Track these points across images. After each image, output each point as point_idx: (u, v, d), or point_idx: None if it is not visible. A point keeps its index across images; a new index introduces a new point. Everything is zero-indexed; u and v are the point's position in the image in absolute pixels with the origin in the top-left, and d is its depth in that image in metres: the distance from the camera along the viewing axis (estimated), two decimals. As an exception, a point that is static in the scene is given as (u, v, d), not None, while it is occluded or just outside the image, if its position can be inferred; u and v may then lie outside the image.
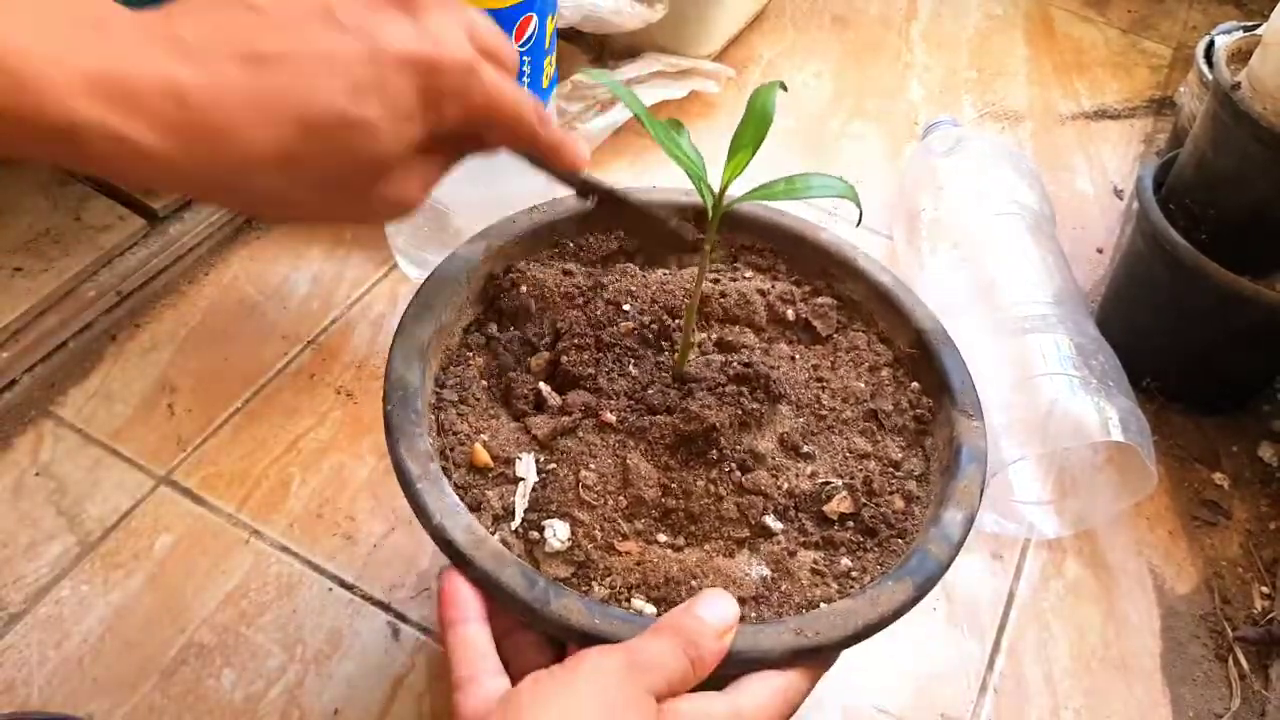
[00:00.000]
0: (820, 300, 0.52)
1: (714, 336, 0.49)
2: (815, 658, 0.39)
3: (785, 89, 0.43)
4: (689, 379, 0.46)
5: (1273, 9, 0.64)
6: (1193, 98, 0.87)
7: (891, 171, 0.91)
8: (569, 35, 0.90)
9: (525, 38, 0.59)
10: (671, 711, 0.34)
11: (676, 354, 0.46)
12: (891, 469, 0.45)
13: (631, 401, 0.45)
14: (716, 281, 0.52)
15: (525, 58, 0.60)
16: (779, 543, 0.42)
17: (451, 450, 0.43)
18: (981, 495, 0.43)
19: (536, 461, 0.43)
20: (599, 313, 0.48)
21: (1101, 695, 0.60)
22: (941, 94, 1.02)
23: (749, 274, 0.53)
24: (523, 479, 0.42)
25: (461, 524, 0.38)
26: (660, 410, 0.44)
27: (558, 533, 0.40)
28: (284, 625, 0.57)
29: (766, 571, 0.41)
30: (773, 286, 0.52)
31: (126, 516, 0.60)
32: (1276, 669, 0.62)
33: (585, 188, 0.45)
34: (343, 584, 0.59)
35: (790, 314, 0.51)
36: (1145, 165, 0.76)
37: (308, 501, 0.62)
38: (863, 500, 0.44)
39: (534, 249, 0.51)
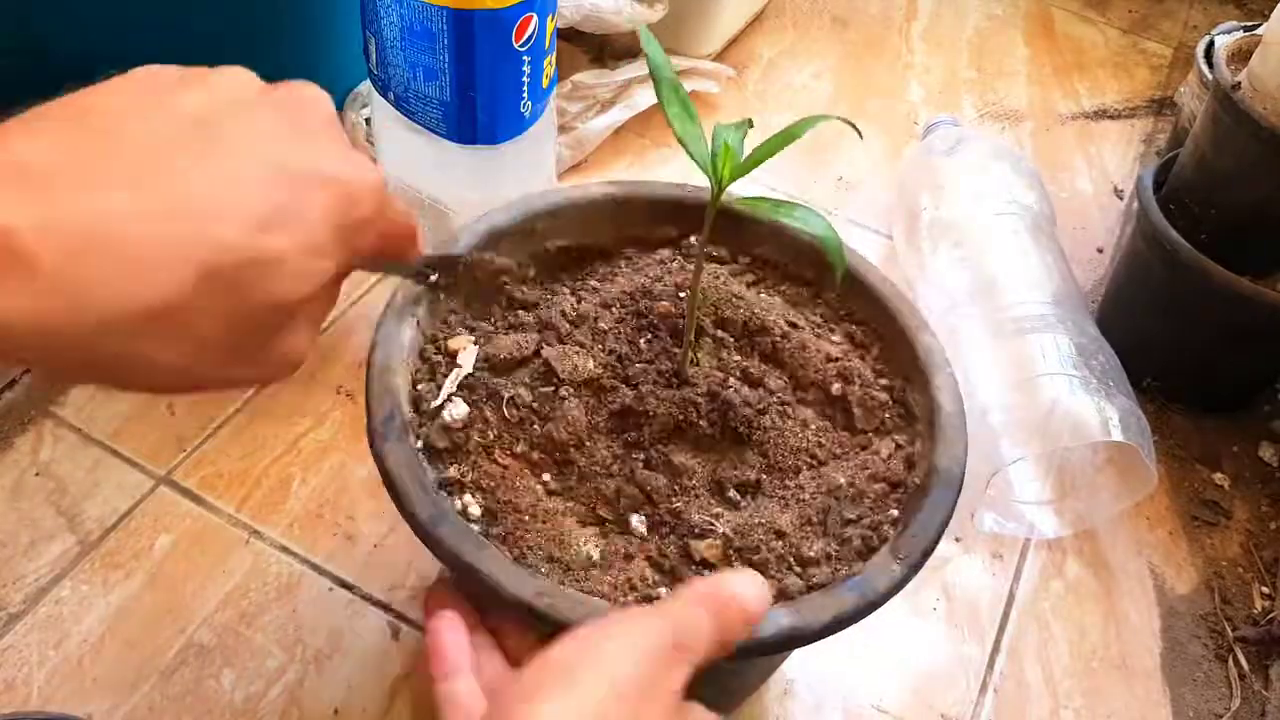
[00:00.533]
0: (873, 389, 0.48)
1: (741, 364, 0.47)
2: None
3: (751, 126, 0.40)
4: (686, 382, 0.45)
5: (1273, 9, 0.64)
6: (1193, 98, 0.87)
7: (891, 171, 0.91)
8: (569, 35, 0.90)
9: (525, 38, 0.59)
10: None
11: (688, 353, 0.46)
12: (798, 566, 0.42)
13: (618, 363, 0.45)
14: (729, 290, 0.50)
15: (525, 58, 0.60)
16: (629, 542, 0.42)
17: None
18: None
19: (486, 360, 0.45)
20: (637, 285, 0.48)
21: (1101, 695, 0.60)
22: (941, 94, 1.02)
23: (771, 294, 0.52)
24: (459, 366, 0.44)
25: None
26: (633, 383, 0.44)
27: (455, 412, 0.42)
28: (284, 625, 0.57)
29: (596, 554, 0.41)
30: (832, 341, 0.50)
31: (126, 516, 0.60)
32: (1277, 669, 0.62)
33: (428, 267, 0.43)
34: (343, 584, 0.59)
35: (836, 388, 0.47)
36: (1145, 165, 0.76)
37: (308, 502, 0.62)
38: (733, 557, 0.42)
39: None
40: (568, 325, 0.47)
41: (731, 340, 0.48)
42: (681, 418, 0.44)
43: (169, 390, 0.30)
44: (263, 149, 0.29)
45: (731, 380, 0.46)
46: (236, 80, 0.30)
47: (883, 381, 0.49)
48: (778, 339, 0.48)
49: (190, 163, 0.27)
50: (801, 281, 0.53)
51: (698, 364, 0.46)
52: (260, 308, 0.28)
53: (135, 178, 0.26)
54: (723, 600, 0.33)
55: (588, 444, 0.43)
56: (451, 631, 0.37)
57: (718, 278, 0.51)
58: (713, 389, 0.45)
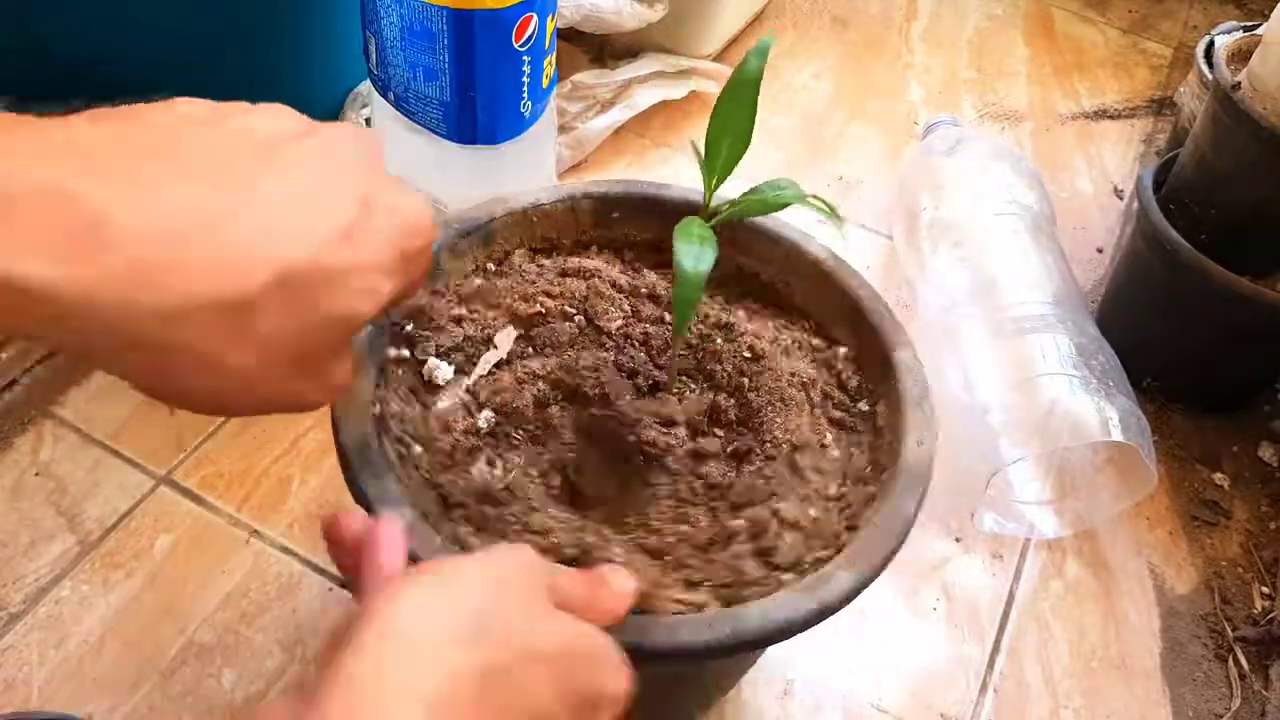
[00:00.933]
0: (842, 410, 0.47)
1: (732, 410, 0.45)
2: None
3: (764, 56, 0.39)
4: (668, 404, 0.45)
5: (1273, 9, 0.64)
6: (1193, 98, 0.87)
7: (891, 171, 0.91)
8: (569, 35, 0.90)
9: (525, 38, 0.59)
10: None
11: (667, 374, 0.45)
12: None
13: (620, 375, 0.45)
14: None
15: (525, 58, 0.60)
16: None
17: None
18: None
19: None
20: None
21: (1101, 695, 0.60)
22: (941, 94, 1.02)
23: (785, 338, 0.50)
24: (496, 348, 0.46)
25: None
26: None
27: (441, 371, 0.44)
28: (284, 625, 0.57)
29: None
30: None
31: (126, 516, 0.60)
32: (1277, 669, 0.62)
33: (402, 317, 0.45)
34: (343, 584, 0.59)
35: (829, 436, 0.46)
36: (1145, 165, 0.76)
37: (308, 501, 0.62)
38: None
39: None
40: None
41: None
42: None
43: (225, 398, 0.29)
44: (326, 173, 0.29)
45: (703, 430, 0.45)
46: (282, 113, 0.31)
47: (851, 397, 0.48)
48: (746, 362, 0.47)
49: (261, 176, 0.28)
50: (775, 297, 0.52)
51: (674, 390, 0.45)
52: (328, 319, 0.29)
53: (214, 181, 0.27)
54: (593, 571, 0.35)
55: (556, 423, 0.44)
56: (354, 523, 0.35)
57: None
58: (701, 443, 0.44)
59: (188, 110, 0.30)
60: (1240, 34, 0.72)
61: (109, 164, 0.26)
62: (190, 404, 0.29)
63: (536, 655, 0.29)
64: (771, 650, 0.58)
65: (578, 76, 0.84)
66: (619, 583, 0.35)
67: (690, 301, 0.38)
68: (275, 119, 0.31)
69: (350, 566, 0.34)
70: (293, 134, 0.30)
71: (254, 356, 0.28)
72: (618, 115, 0.85)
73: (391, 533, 0.34)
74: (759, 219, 0.49)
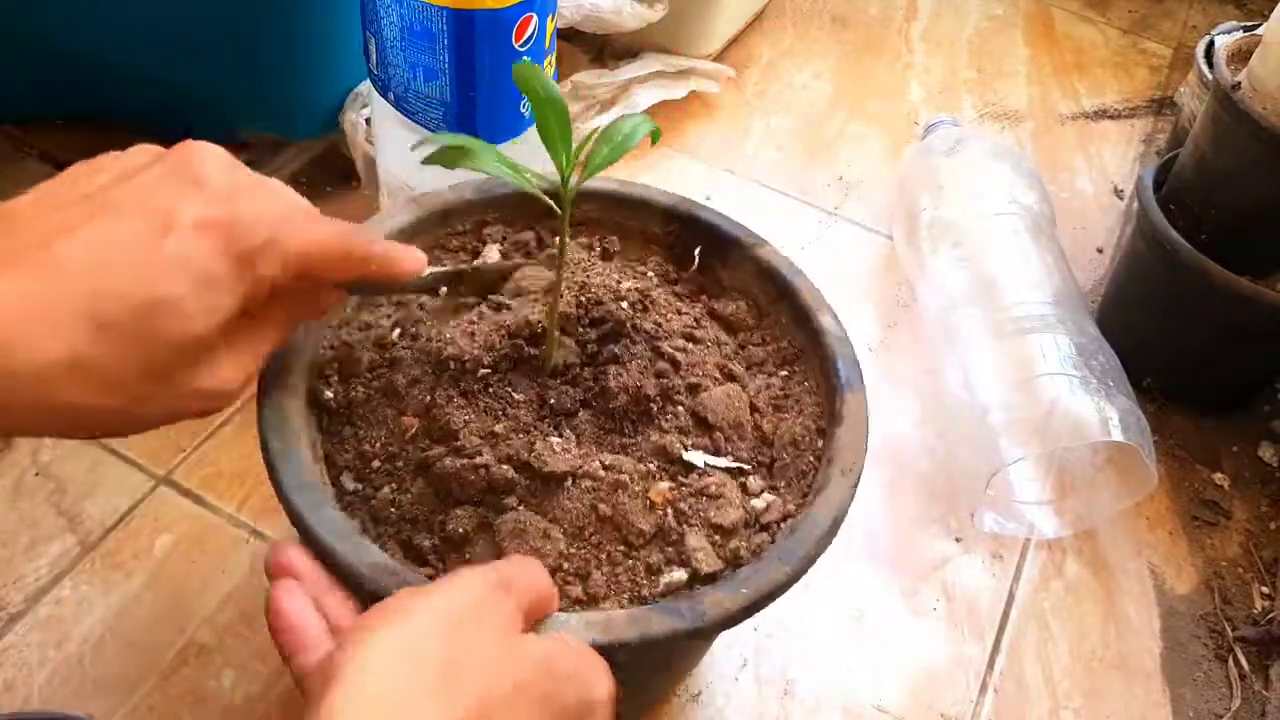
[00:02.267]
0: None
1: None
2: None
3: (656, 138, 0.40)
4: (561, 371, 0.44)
5: (1273, 9, 0.64)
6: (1193, 98, 0.87)
7: (891, 171, 0.91)
8: (569, 35, 0.90)
9: (525, 38, 0.59)
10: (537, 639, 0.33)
11: (543, 352, 0.44)
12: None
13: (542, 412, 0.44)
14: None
15: (525, 58, 0.60)
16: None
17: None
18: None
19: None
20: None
21: (1101, 695, 0.60)
22: (941, 94, 1.02)
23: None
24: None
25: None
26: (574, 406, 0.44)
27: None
28: (284, 625, 0.57)
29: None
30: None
31: (126, 517, 0.60)
32: (1277, 669, 0.62)
33: (434, 283, 0.45)
34: (343, 584, 0.59)
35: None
36: (1145, 165, 0.76)
37: (308, 501, 0.62)
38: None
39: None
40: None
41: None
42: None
43: (115, 431, 0.33)
44: (143, 206, 0.31)
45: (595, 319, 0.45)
46: (135, 154, 0.34)
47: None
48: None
49: (71, 235, 0.30)
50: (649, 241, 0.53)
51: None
52: (165, 348, 0.31)
53: (21, 260, 0.29)
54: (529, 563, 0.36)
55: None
56: (293, 600, 0.35)
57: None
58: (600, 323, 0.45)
59: (65, 180, 0.33)
60: (1240, 34, 0.72)
61: None
62: (95, 436, 0.33)
63: (517, 689, 0.30)
64: (772, 650, 0.58)
65: (578, 76, 0.84)
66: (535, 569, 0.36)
67: (558, 125, 0.38)
68: (128, 160, 0.34)
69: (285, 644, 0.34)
70: (130, 171, 0.33)
71: (112, 395, 0.30)
72: (618, 115, 0.85)
73: (287, 602, 0.34)
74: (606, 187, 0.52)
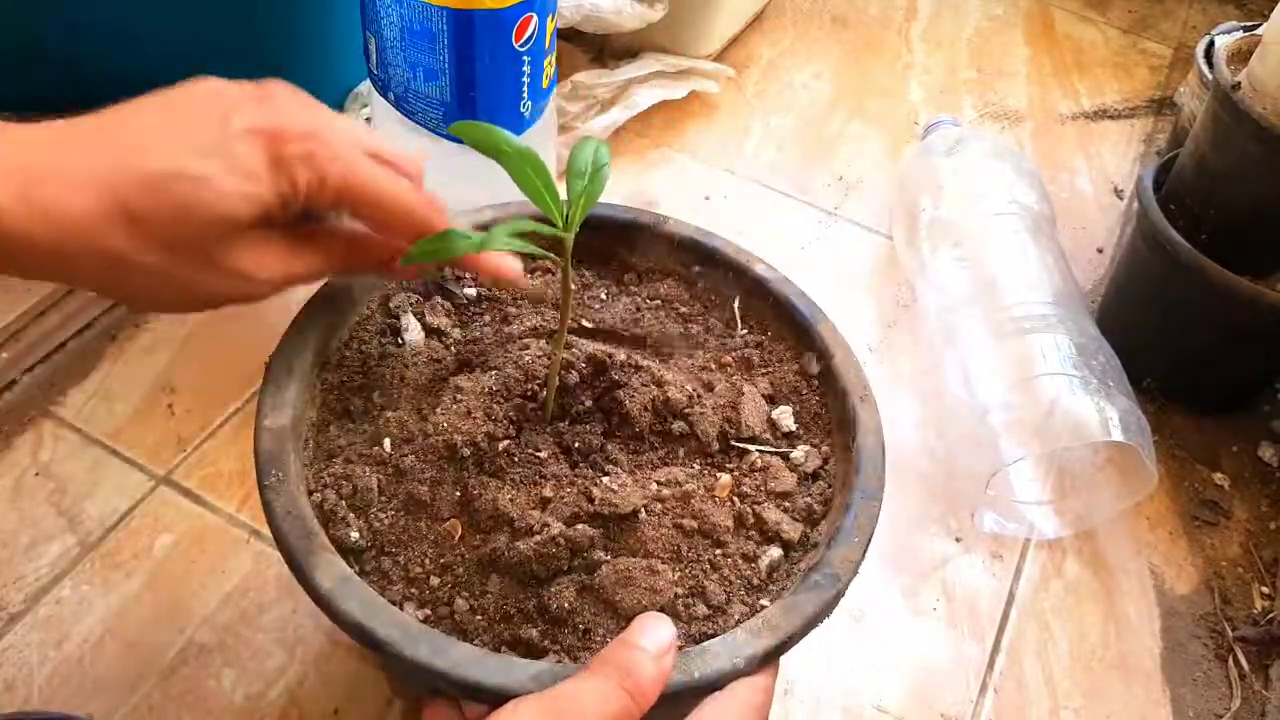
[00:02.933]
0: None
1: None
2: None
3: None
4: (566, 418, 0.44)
5: (1273, 9, 0.64)
6: (1193, 98, 0.87)
7: (891, 171, 0.91)
8: (569, 35, 0.90)
9: (525, 38, 0.59)
10: None
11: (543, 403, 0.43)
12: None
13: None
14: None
15: (525, 58, 0.60)
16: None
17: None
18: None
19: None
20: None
21: (1101, 695, 0.60)
22: (941, 94, 1.02)
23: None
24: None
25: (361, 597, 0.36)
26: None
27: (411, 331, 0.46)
28: (284, 625, 0.57)
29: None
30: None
31: (126, 516, 0.60)
32: (1277, 669, 0.62)
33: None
34: (343, 584, 0.59)
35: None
36: (1145, 165, 0.76)
37: (308, 501, 0.62)
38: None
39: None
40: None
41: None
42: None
43: (164, 300, 0.37)
44: (209, 108, 0.36)
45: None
46: (220, 82, 0.38)
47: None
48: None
49: (140, 123, 0.35)
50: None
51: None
52: (200, 217, 0.34)
53: (97, 140, 0.35)
54: (615, 655, 0.34)
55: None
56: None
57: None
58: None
59: (167, 93, 0.37)
60: (1240, 34, 0.72)
61: (48, 135, 0.34)
62: (137, 303, 0.38)
63: None
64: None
65: (578, 76, 0.84)
66: (651, 640, 0.34)
67: (538, 176, 0.38)
68: (216, 82, 0.37)
69: None
70: (214, 87, 0.37)
71: (155, 252, 0.34)
72: (617, 115, 0.85)
73: None
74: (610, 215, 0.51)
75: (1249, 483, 0.73)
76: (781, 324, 0.49)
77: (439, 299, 0.49)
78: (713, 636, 0.37)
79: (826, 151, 0.93)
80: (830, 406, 0.46)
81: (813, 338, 0.47)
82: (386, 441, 0.42)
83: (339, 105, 0.77)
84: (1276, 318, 0.66)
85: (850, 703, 0.58)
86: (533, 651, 0.37)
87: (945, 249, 0.74)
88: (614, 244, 0.52)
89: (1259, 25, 0.68)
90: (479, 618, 0.38)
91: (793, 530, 0.42)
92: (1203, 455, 0.74)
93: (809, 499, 0.43)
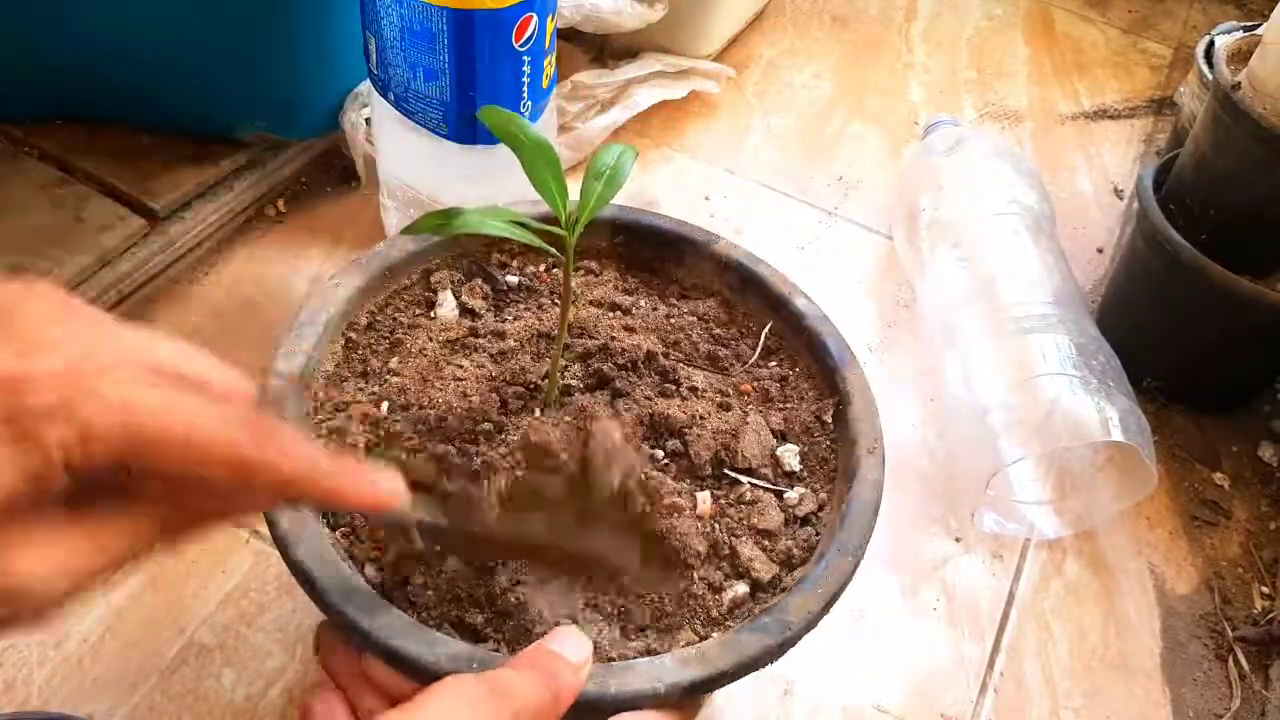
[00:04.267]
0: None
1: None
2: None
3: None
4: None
5: (1273, 9, 0.64)
6: (1193, 98, 0.87)
7: (891, 171, 0.91)
8: (569, 35, 0.90)
9: (525, 38, 0.59)
10: None
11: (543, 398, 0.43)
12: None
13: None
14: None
15: (525, 58, 0.60)
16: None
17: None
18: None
19: None
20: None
21: (1101, 695, 0.60)
22: (941, 94, 1.02)
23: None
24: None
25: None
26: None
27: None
28: (284, 625, 0.57)
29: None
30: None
31: (126, 516, 0.60)
32: (1277, 669, 0.62)
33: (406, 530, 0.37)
34: (343, 584, 0.59)
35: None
36: (1145, 165, 0.76)
37: (308, 501, 0.62)
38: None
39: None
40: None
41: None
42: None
43: None
44: None
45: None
46: None
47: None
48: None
49: None
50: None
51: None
52: None
53: None
54: (541, 658, 0.34)
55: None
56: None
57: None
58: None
59: None
60: (1240, 34, 0.72)
61: None
62: None
63: None
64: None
65: (578, 76, 0.84)
66: (573, 651, 0.34)
67: (549, 169, 0.37)
68: None
69: None
70: None
71: None
72: (617, 115, 0.85)
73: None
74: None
75: (1249, 483, 0.73)
76: (811, 360, 0.48)
77: (479, 281, 0.50)
78: (650, 655, 0.37)
79: (826, 151, 0.93)
80: (839, 453, 0.45)
81: (836, 380, 0.46)
82: (384, 405, 0.43)
83: (339, 105, 0.77)
84: (1276, 318, 0.66)
85: (850, 703, 0.58)
86: (476, 637, 0.38)
87: (945, 249, 0.74)
88: (664, 256, 0.51)
89: (1259, 25, 0.68)
90: (429, 593, 0.38)
91: (765, 570, 0.40)
92: (1203, 455, 0.74)
93: (791, 542, 0.42)
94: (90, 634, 0.55)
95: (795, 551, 0.41)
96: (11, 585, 0.25)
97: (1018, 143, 0.98)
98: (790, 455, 0.45)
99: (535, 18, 0.58)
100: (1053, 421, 0.61)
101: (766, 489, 0.43)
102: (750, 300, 0.50)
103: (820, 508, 0.43)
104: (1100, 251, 0.87)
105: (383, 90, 0.64)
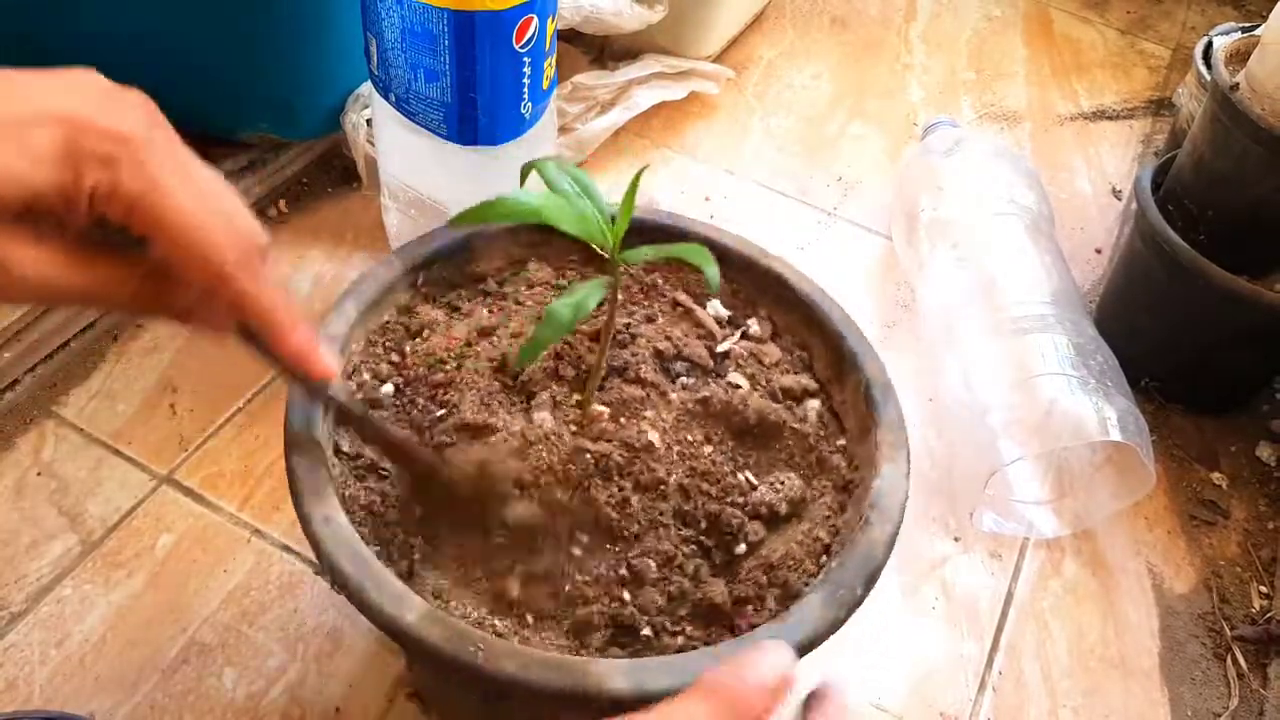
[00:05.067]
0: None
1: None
2: None
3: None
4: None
5: (1271, 10, 0.64)
6: (1191, 99, 0.88)
7: (891, 172, 0.91)
8: (569, 36, 0.90)
9: (525, 39, 0.59)
10: None
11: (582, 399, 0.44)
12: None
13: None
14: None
15: (526, 59, 0.60)
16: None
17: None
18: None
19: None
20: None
21: (1100, 694, 0.60)
22: (940, 95, 1.02)
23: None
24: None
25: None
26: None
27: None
28: (285, 624, 0.57)
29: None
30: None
31: (128, 516, 0.60)
32: (1275, 668, 0.62)
33: (359, 426, 0.41)
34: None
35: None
36: (1144, 166, 0.76)
37: (309, 501, 0.62)
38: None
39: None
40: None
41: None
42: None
43: None
44: (33, 86, 0.30)
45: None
46: (93, 75, 0.32)
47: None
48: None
49: None
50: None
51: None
52: None
53: None
54: (727, 685, 0.31)
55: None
56: None
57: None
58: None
59: None
60: (1238, 35, 0.72)
61: None
62: None
63: None
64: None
65: (578, 78, 0.84)
66: (767, 669, 0.31)
67: (543, 343, 0.39)
68: (84, 79, 0.32)
69: None
70: (57, 73, 0.32)
71: None
72: (618, 116, 0.85)
73: None
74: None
75: (1247, 482, 0.73)
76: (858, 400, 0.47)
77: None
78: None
79: (826, 152, 0.93)
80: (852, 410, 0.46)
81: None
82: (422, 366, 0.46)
83: (340, 106, 0.77)
84: (1274, 318, 0.67)
85: (850, 702, 0.58)
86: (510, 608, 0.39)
87: (944, 249, 0.74)
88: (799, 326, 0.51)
89: (1257, 26, 0.69)
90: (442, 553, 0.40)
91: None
92: (1201, 455, 0.74)
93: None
94: (92, 633, 0.55)
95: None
96: (20, 270, 0.30)
97: (1017, 143, 0.98)
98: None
99: (536, 19, 0.58)
100: (1051, 421, 0.61)
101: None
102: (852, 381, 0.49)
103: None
104: (1099, 252, 0.88)
105: (384, 91, 0.64)
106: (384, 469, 0.42)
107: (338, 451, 0.42)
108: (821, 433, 0.47)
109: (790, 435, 0.46)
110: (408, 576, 0.40)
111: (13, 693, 0.53)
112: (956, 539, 0.66)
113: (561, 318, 0.37)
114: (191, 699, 0.54)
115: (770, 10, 1.07)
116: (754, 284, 0.52)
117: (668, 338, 0.48)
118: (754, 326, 0.51)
